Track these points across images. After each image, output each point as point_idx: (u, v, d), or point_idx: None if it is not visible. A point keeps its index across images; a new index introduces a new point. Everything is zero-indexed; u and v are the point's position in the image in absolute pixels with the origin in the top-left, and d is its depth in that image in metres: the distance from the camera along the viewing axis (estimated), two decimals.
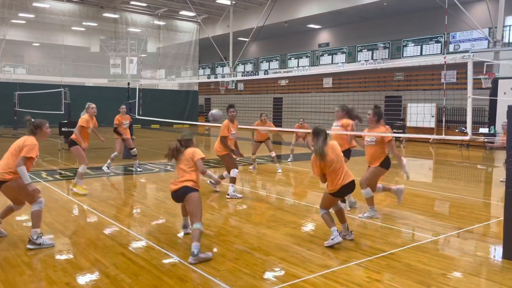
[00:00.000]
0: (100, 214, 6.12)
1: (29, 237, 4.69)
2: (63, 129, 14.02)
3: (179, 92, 32.92)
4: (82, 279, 3.85)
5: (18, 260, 4.25)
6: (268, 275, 4.01)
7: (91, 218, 6.02)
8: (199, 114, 33.27)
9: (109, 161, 9.84)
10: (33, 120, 4.91)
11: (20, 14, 27.65)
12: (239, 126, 7.76)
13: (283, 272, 4.06)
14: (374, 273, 4.07)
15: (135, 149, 10.14)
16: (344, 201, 6.38)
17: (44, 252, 4.52)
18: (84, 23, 29.99)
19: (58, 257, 4.40)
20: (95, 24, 30.48)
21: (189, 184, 4.42)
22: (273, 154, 10.82)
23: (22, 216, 5.97)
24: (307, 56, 27.61)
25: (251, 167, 10.94)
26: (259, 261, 4.33)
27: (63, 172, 9.82)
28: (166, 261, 4.30)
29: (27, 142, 4.68)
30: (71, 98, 17.84)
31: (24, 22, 29.14)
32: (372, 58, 23.58)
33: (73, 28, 30.01)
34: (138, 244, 4.84)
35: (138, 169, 10.11)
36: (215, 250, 4.65)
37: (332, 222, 4.85)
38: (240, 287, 3.69)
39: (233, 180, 7.39)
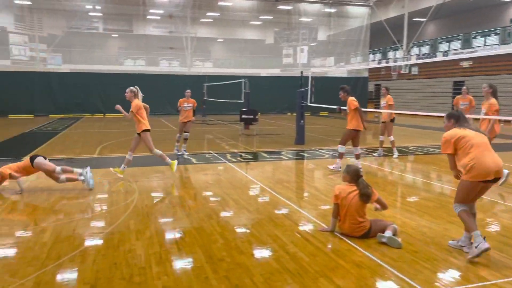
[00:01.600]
0: (276, 195, 6.56)
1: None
2: (243, 116, 15.41)
3: (348, 79, 32.52)
4: (266, 253, 4.21)
5: (212, 229, 4.89)
6: (452, 273, 3.72)
7: (269, 197, 6.51)
8: (368, 100, 32.38)
9: (176, 144, 10.63)
10: None
11: (208, 14, 31.27)
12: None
13: (469, 272, 3.71)
14: None
15: (188, 133, 10.58)
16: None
17: (231, 225, 5.09)
18: (261, 17, 32.18)
19: (243, 230, 4.91)
20: (271, 17, 32.43)
21: None
22: (392, 138, 10.56)
23: (209, 191, 6.83)
24: (495, 34, 24.07)
25: (395, 155, 10.42)
26: (440, 257, 4.04)
27: (243, 154, 10.82)
28: (341, 245, 4.38)
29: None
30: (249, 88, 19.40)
31: (211, 20, 32.92)
32: None
33: (251, 22, 32.53)
34: (312, 226, 5.04)
35: (185, 153, 10.43)
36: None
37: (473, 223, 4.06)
38: (422, 281, 3.52)
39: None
